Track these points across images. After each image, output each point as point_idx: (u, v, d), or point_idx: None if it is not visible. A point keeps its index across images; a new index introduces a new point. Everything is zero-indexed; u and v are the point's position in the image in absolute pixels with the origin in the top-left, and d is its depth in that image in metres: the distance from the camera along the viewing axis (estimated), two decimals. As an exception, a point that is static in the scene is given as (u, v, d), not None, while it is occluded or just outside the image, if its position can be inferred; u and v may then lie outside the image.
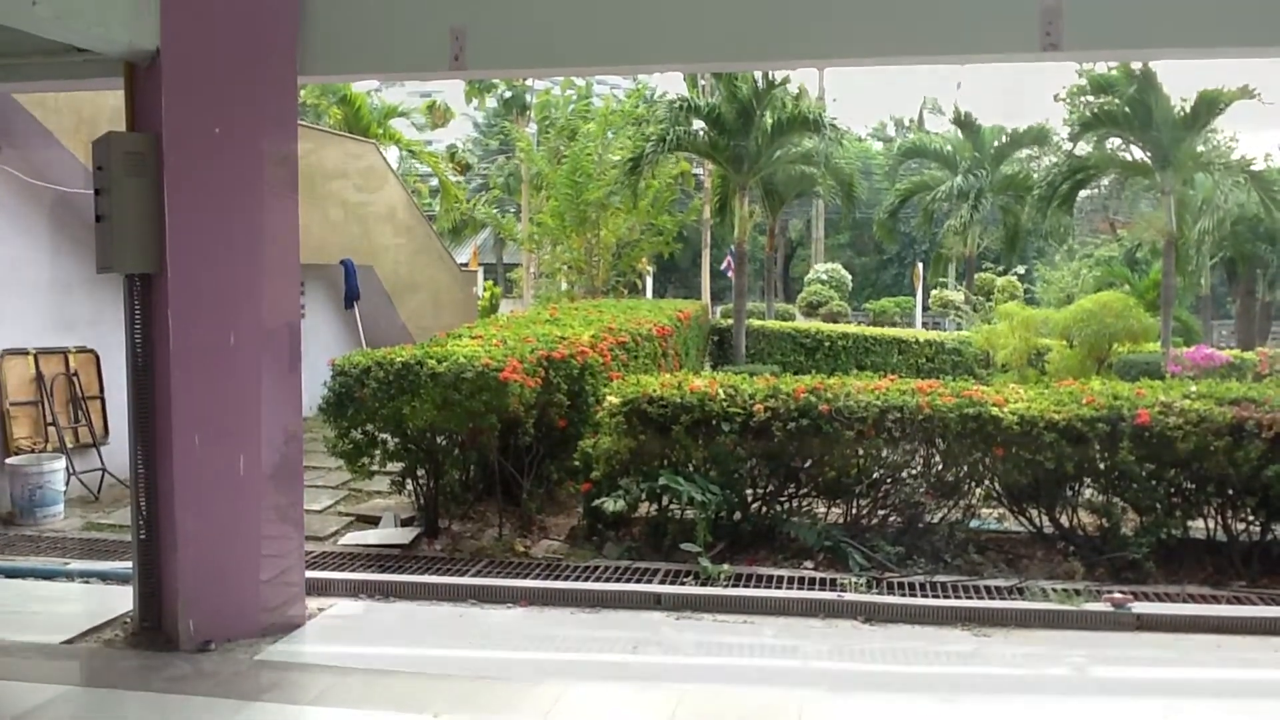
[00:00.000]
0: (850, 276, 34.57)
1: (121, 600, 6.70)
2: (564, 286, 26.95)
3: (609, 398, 8.73)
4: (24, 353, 10.25)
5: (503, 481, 9.04)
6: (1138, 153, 23.03)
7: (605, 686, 5.88)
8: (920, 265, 35.92)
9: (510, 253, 47.91)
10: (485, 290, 26.69)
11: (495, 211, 29.74)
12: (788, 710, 5.48)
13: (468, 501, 9.31)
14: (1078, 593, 7.51)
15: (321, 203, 14.59)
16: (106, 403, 10.89)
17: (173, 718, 5.11)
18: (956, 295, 31.02)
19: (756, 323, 23.32)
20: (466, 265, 23.80)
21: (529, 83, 33.86)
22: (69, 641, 6.24)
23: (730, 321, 22.45)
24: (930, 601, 7.43)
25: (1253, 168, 23.61)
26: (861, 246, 49.16)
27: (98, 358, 10.85)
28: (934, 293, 33.25)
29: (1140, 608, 7.26)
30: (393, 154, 24.55)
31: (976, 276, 31.10)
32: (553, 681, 5.77)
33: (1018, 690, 6.08)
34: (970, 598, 7.54)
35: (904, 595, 7.57)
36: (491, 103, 37.59)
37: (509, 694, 5.64)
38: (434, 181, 35.38)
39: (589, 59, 6.24)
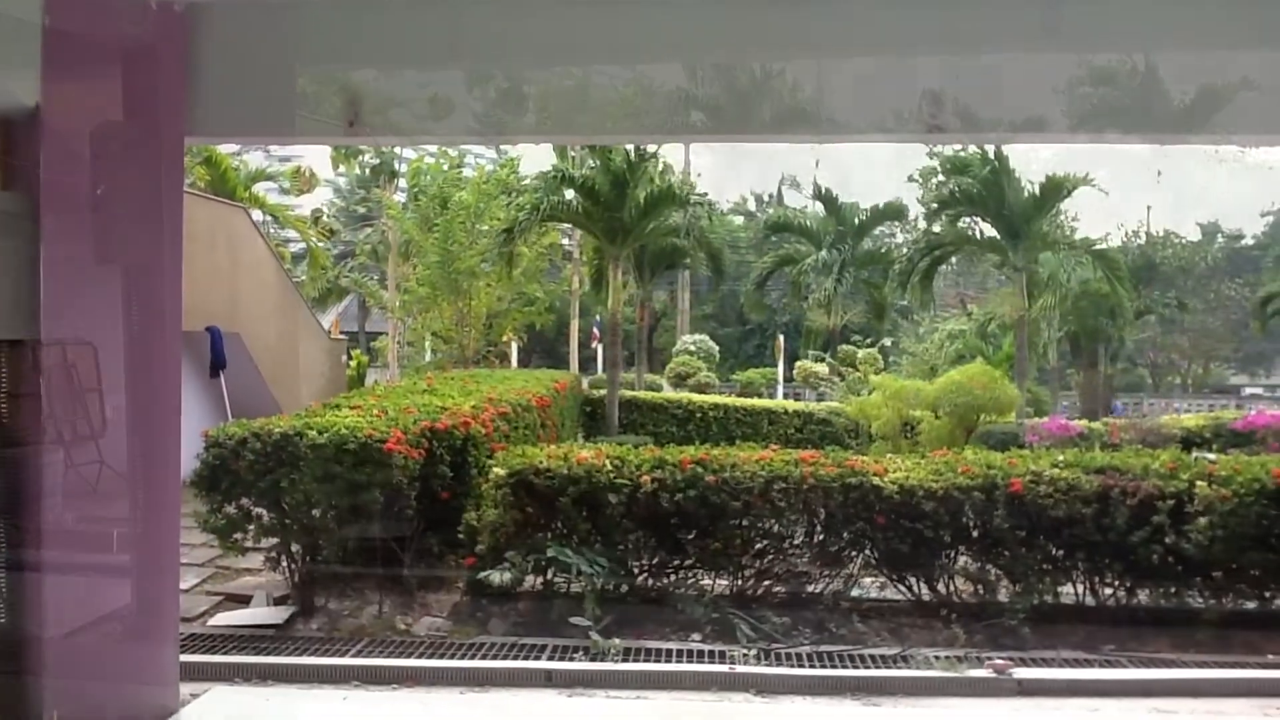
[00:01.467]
0: (717, 347, 35.03)
1: None
2: (429, 356, 26.63)
3: (495, 469, 8.60)
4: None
5: (383, 557, 8.78)
6: (989, 231, 24.18)
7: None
8: (781, 337, 36.68)
9: (374, 321, 47.20)
10: (353, 359, 26.13)
11: (363, 278, 29.32)
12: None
13: (345, 578, 9.00)
14: (960, 659, 7.65)
15: (188, 267, 14.13)
16: None
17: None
18: (820, 367, 31.71)
19: (628, 393, 23.37)
20: (329, 333, 23.33)
21: (397, 151, 33.62)
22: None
23: (602, 392, 22.45)
24: (820, 672, 7.47)
25: (1096, 247, 25.03)
26: (725, 318, 49.97)
27: None
28: (798, 364, 33.94)
29: (1021, 673, 7.44)
30: (256, 217, 23.98)
31: (840, 348, 31.89)
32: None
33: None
34: (858, 667, 7.61)
35: (793, 666, 7.60)
36: (358, 170, 37.18)
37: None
38: (294, 247, 34.72)
39: (476, 130, 6.21)
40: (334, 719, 6.43)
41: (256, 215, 23.31)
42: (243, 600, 9.06)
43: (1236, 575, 8.29)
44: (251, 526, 8.53)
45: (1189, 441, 17.11)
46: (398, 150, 33.25)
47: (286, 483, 8.05)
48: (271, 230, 30.40)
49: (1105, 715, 6.87)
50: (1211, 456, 9.72)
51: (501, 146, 33.46)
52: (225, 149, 23.65)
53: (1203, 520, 8.13)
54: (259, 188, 26.91)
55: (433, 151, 26.10)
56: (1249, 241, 55.06)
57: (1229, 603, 8.41)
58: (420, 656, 7.65)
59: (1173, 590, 8.40)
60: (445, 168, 25.13)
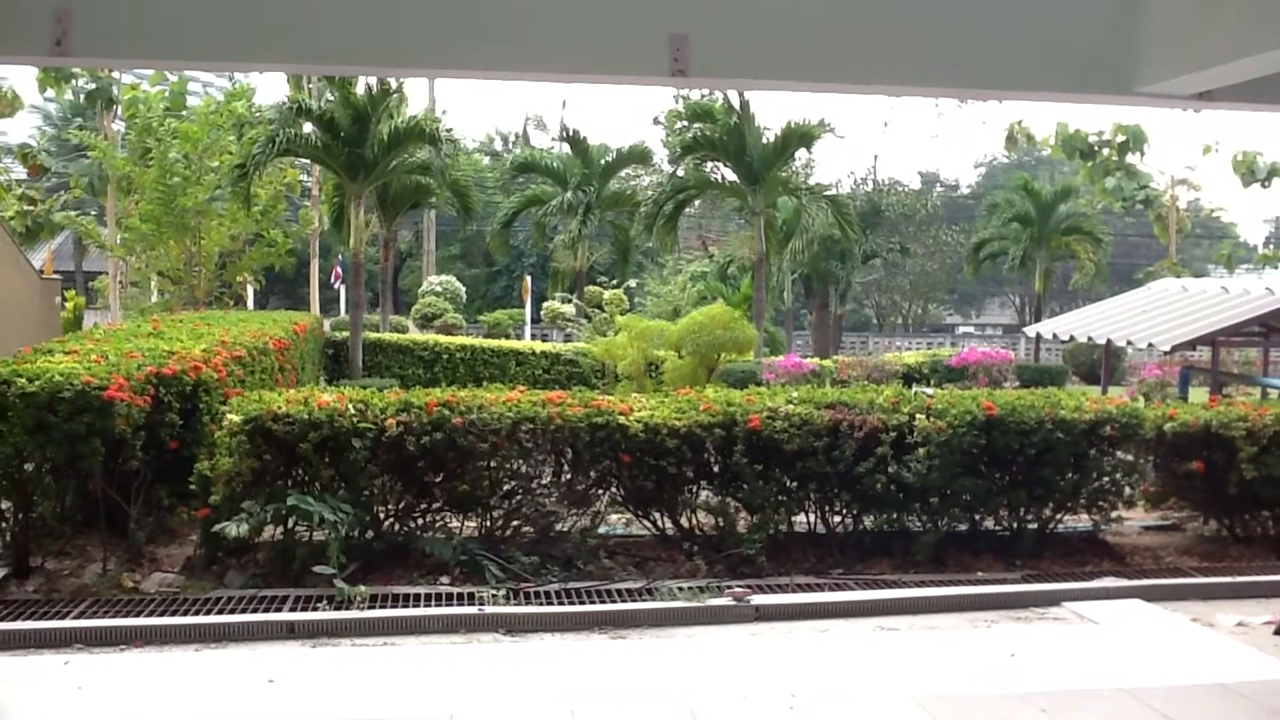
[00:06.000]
0: (464, 289, 34.66)
1: None
2: (156, 297, 25.08)
3: (229, 416, 8.18)
4: None
5: (107, 511, 8.22)
6: (731, 176, 24.91)
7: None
8: (528, 278, 36.69)
9: (93, 260, 43.95)
10: (68, 301, 24.25)
11: (76, 214, 27.04)
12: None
13: (64, 535, 8.38)
14: (702, 590, 7.94)
15: None
16: None
17: None
18: (567, 308, 31.95)
19: (373, 335, 22.80)
20: (41, 272, 21.57)
21: (114, 75, 31.12)
22: None
23: (344, 334, 21.83)
24: (567, 609, 7.59)
25: (829, 193, 26.23)
26: (472, 259, 49.52)
27: None
28: (545, 305, 34.07)
29: (758, 599, 7.81)
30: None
31: (587, 289, 32.16)
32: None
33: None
34: (605, 602, 7.78)
35: (541, 605, 7.68)
36: (70, 94, 34.18)
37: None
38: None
39: (201, 53, 5.75)
40: (55, 685, 6.02)
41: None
42: (-56, 564, 8.32)
43: (950, 500, 8.97)
44: (-49, 485, 7.80)
45: (910, 377, 18.41)
46: (116, 75, 30.83)
47: (-8, 435, 7.39)
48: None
49: (835, 634, 7.31)
50: (929, 391, 10.43)
51: (235, 75, 31.63)
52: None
53: (921, 450, 8.72)
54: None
55: (149, 77, 24.30)
56: (964, 191, 59.42)
57: (944, 526, 9.09)
58: (150, 615, 7.24)
59: (894, 516, 9.00)
60: (167, 94, 23.49)
